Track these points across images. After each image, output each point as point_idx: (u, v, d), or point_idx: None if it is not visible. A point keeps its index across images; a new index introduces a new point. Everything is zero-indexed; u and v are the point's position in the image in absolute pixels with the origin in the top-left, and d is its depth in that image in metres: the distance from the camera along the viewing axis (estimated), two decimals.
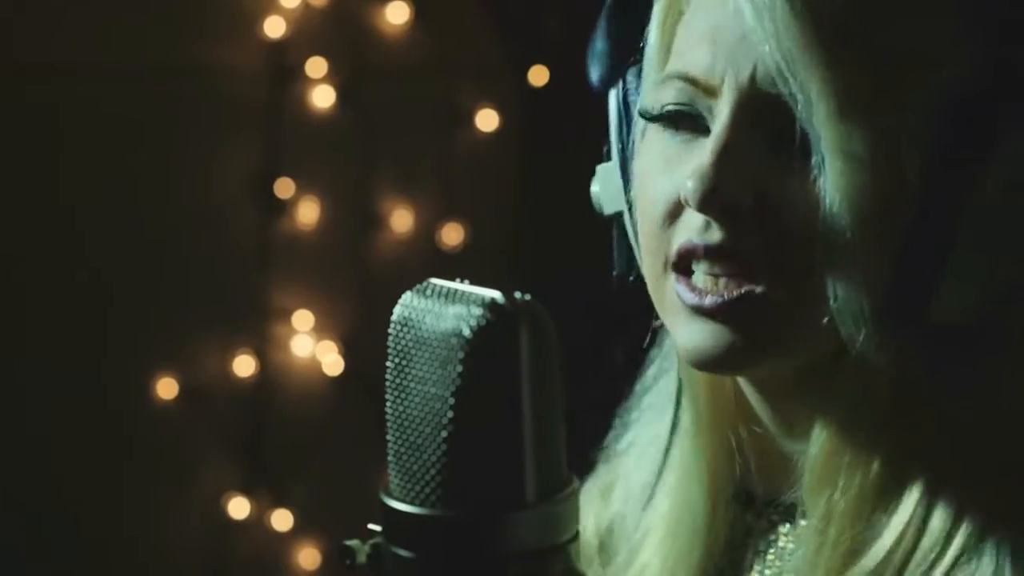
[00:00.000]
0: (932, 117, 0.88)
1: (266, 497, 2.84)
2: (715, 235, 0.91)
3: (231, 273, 2.83)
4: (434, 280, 0.77)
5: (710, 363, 0.94)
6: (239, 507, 2.83)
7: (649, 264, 0.97)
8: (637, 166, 0.99)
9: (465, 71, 2.92)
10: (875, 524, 0.92)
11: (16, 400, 2.68)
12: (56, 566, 2.73)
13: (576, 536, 0.77)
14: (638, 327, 1.06)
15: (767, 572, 1.00)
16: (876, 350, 0.89)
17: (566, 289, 0.96)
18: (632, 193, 0.99)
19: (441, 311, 0.74)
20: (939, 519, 0.91)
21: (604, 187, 1.04)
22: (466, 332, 0.73)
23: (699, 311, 0.92)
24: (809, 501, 0.95)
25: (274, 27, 2.81)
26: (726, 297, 0.91)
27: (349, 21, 2.86)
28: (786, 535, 0.99)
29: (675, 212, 0.94)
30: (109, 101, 2.72)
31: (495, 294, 0.74)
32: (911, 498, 0.92)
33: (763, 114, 0.90)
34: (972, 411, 0.93)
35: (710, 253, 0.92)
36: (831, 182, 0.88)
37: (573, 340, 0.91)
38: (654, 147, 0.96)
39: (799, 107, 0.88)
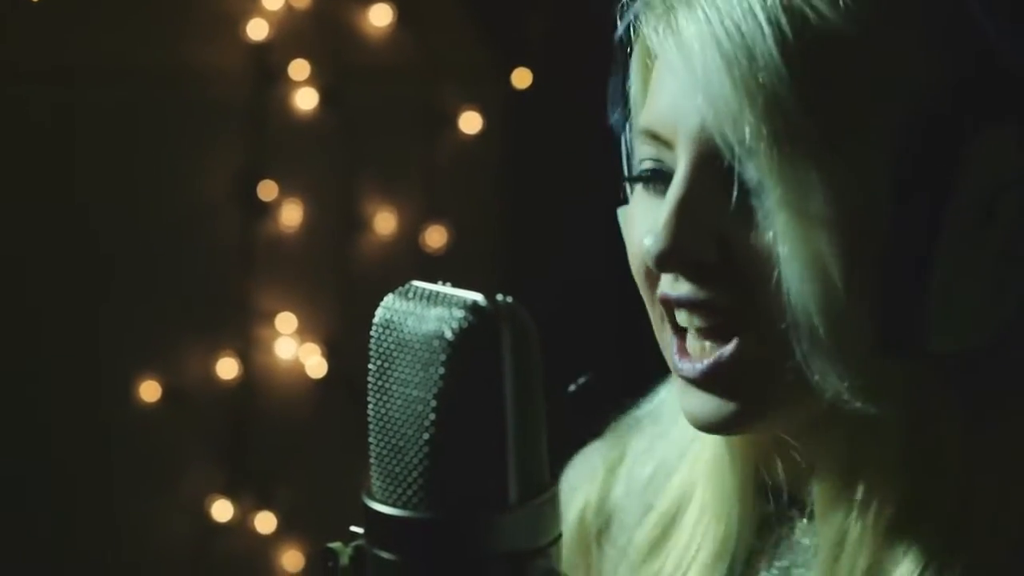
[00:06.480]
0: (888, 147, 0.85)
1: (250, 499, 2.84)
2: (683, 288, 0.90)
3: (214, 275, 2.82)
4: (416, 282, 0.77)
5: (709, 429, 0.94)
6: (222, 509, 2.82)
7: (650, 314, 0.96)
8: (626, 220, 0.97)
9: (448, 73, 2.92)
10: (889, 557, 0.91)
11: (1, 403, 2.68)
12: (39, 567, 2.72)
13: (558, 538, 0.77)
14: (620, 328, 1.06)
15: (778, 563, 0.99)
16: (855, 396, 0.87)
17: (548, 291, 0.96)
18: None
19: (423, 313, 0.74)
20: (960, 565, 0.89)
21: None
22: (448, 334, 0.73)
23: (686, 380, 0.92)
24: (821, 525, 0.94)
25: (257, 29, 2.80)
26: (704, 364, 0.90)
27: (332, 23, 2.86)
28: (802, 530, 0.98)
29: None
30: (90, 104, 2.71)
31: (477, 296, 0.74)
32: (926, 540, 0.90)
33: (720, 163, 0.87)
34: (996, 442, 0.91)
35: (681, 305, 0.91)
36: (780, 232, 0.85)
37: (555, 342, 0.91)
38: (636, 203, 0.95)
39: (739, 156, 0.85)
